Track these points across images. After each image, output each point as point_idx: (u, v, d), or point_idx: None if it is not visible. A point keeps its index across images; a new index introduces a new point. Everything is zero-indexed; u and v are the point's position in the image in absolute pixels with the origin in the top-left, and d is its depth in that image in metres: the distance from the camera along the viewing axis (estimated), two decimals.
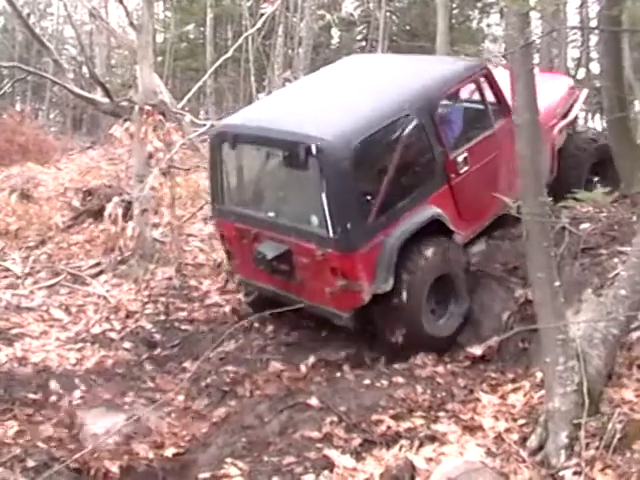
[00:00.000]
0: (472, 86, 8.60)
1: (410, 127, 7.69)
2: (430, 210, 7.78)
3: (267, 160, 8.27)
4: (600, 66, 5.63)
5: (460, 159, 8.08)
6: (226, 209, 8.48)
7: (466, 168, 8.10)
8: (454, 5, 32.62)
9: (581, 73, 29.62)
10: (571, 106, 8.86)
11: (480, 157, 8.14)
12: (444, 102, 8.36)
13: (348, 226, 7.22)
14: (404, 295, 7.54)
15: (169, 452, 6.51)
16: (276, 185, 8.37)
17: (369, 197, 7.60)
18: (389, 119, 7.73)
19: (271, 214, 8.01)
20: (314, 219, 7.47)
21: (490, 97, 8.44)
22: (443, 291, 7.94)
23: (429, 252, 7.67)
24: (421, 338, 7.69)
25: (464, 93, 8.76)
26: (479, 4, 34.90)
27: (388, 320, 7.70)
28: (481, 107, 8.60)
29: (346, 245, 7.30)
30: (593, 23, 25.58)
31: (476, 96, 8.69)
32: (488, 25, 36.25)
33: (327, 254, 7.35)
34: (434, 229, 7.83)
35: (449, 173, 7.99)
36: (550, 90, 9.13)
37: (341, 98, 8.32)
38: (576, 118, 9.25)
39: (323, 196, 7.19)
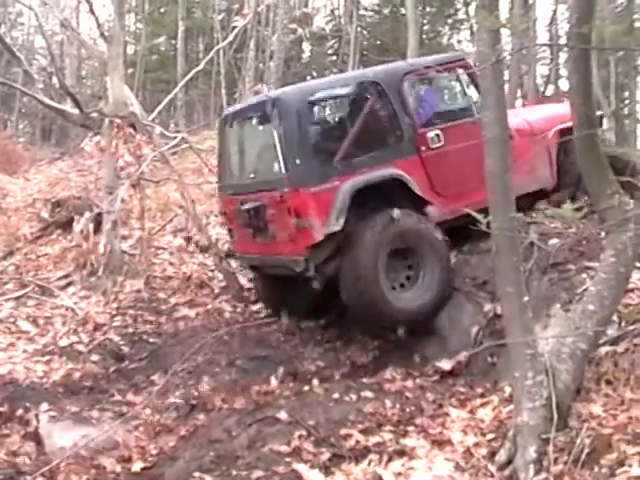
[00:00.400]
0: (452, 76, 9.28)
1: (373, 93, 8.56)
2: (392, 170, 8.26)
3: (250, 129, 9.27)
4: (569, 83, 5.65)
5: (431, 135, 8.60)
6: (225, 185, 9.50)
7: (439, 144, 8.60)
8: (425, 21, 32.96)
9: (550, 90, 29.95)
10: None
11: (458, 139, 8.50)
12: (412, 78, 8.94)
13: (297, 162, 7.95)
14: (363, 256, 7.89)
15: (137, 466, 6.43)
16: (255, 149, 9.31)
17: (323, 143, 8.57)
18: (350, 82, 8.91)
19: (251, 176, 9.02)
20: (275, 166, 8.17)
21: (470, 89, 9.00)
22: (412, 265, 8.28)
23: (393, 216, 8.04)
24: (383, 307, 7.96)
25: (443, 81, 9.33)
26: (449, 20, 35.27)
27: (348, 283, 7.99)
28: (460, 96, 9.33)
29: (296, 180, 7.94)
30: (562, 41, 25.87)
31: (457, 86, 9.43)
32: (458, 41, 36.69)
33: (284, 195, 8.02)
34: (405, 200, 8.27)
35: (419, 145, 8.53)
36: (556, 108, 10.17)
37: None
38: None
39: (277, 138, 8.05)
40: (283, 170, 7.98)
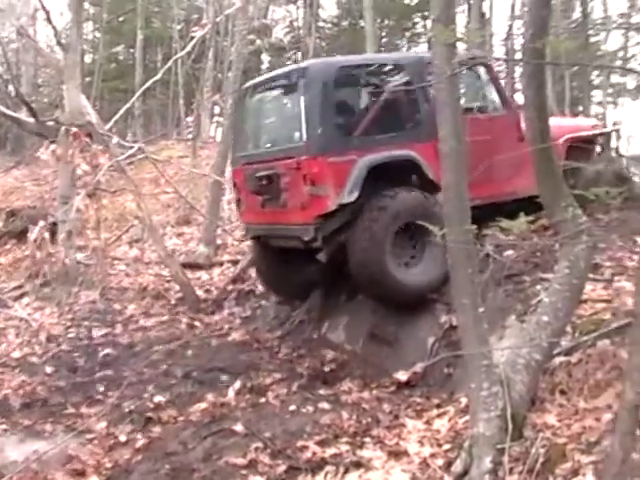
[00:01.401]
0: (475, 74, 9.48)
1: (399, 76, 8.77)
2: (407, 152, 8.41)
3: (272, 99, 9.64)
4: (524, 97, 5.72)
5: None
6: (238, 156, 9.67)
7: None
8: (383, 34, 33.13)
9: None
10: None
11: (474, 133, 8.37)
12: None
13: (319, 131, 8.09)
14: (372, 231, 8.00)
15: None
16: (276, 119, 9.68)
17: (346, 117, 8.67)
18: (377, 61, 9.33)
19: (268, 145, 9.31)
20: (297, 134, 8.43)
21: (490, 87, 9.35)
22: (419, 241, 8.37)
23: (402, 194, 8.21)
24: (387, 281, 8.05)
25: (466, 77, 9.64)
26: (407, 33, 35.49)
27: (356, 257, 8.09)
28: (480, 93, 9.51)
29: (315, 148, 8.10)
30: (518, 55, 26.18)
31: (476, 83, 9.60)
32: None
33: (300, 162, 8.15)
34: (417, 186, 8.45)
35: (435, 132, 8.40)
36: (566, 121, 10.82)
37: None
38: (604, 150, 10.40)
39: (301, 106, 8.26)
40: (304, 137, 8.14)
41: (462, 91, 10.42)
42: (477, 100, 9.53)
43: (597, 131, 10.56)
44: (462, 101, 9.61)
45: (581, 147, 9.73)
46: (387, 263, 8.05)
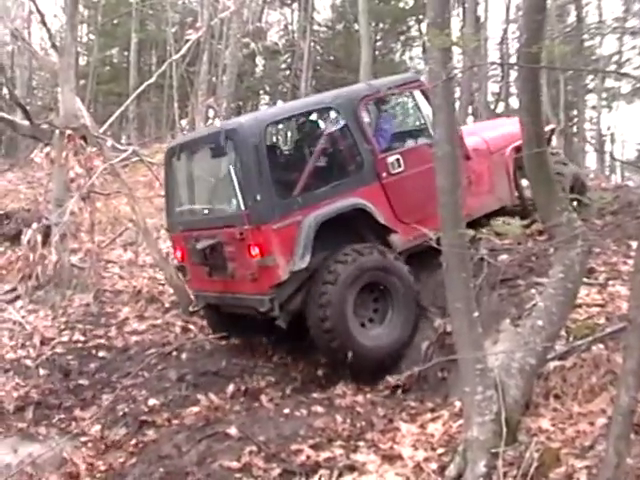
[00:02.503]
0: (407, 97, 9.24)
1: (330, 120, 8.48)
2: (354, 200, 8.03)
3: (201, 162, 8.92)
4: (519, 101, 5.74)
5: (392, 159, 8.38)
6: (175, 222, 9.05)
7: (400, 169, 8.39)
8: (378, 37, 33.18)
9: (500, 107, 30.34)
10: None
11: (418, 162, 8.28)
12: (369, 102, 8.85)
13: (258, 198, 7.59)
14: (330, 293, 7.65)
15: None
16: (208, 183, 8.97)
17: (283, 176, 8.14)
18: (305, 109, 8.83)
19: (205, 212, 8.66)
20: (233, 201, 7.84)
21: (427, 109, 8.51)
22: (380, 305, 8.07)
23: (366, 250, 7.90)
24: (351, 345, 7.69)
25: (399, 103, 9.24)
26: (402, 37, 35.52)
27: (315, 319, 7.73)
28: (417, 117, 9.18)
29: (257, 217, 7.61)
30: (512, 59, 26.22)
31: (413, 107, 9.29)
32: (411, 58, 36.99)
33: (244, 232, 7.66)
34: (367, 234, 8.20)
35: (380, 171, 8.30)
36: (508, 125, 9.88)
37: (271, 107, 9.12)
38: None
39: (234, 173, 7.63)
40: (242, 207, 7.61)
41: (402, 119, 10.35)
42: (415, 125, 9.34)
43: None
44: (403, 130, 9.56)
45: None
46: (350, 327, 7.71)
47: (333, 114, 8.47)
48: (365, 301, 7.97)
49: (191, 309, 9.46)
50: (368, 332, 7.92)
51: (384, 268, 7.92)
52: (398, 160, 8.38)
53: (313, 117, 8.65)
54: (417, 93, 8.82)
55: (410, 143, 8.98)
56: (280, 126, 8.49)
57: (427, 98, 8.54)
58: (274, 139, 8.42)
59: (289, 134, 9.15)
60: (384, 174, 8.29)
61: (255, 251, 7.61)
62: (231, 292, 8.30)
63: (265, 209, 7.62)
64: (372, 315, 8.05)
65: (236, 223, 7.75)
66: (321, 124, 8.58)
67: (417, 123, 9.25)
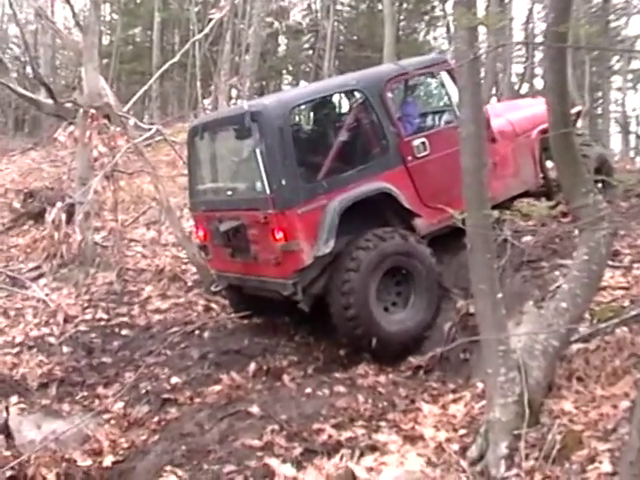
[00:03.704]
0: (434, 78, 9.12)
1: (356, 102, 8.31)
2: (379, 184, 7.96)
3: (224, 142, 8.81)
4: (544, 82, 5.69)
5: (417, 143, 8.29)
6: (198, 201, 8.99)
7: (425, 153, 8.30)
8: (401, 17, 32.98)
9: (525, 88, 30.11)
10: None
11: (444, 146, 8.15)
12: (395, 84, 8.79)
13: (283, 182, 7.51)
14: (352, 280, 7.61)
15: (108, 460, 6.43)
16: (231, 164, 8.93)
17: (308, 159, 8.11)
18: (330, 91, 8.77)
19: (229, 193, 8.53)
20: (258, 184, 7.72)
21: (454, 91, 8.36)
22: (403, 288, 8.04)
23: (387, 235, 7.83)
24: (375, 331, 7.69)
25: (425, 85, 9.11)
26: (426, 17, 35.31)
27: (338, 306, 7.72)
28: (445, 99, 9.03)
29: (282, 201, 7.53)
30: (537, 40, 26.00)
31: (440, 89, 9.21)
32: (434, 38, 36.74)
33: (268, 216, 7.59)
34: (392, 218, 8.14)
35: (405, 155, 8.21)
36: (534, 106, 9.68)
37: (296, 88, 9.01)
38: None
39: (259, 156, 7.54)
40: (267, 190, 7.52)
41: (428, 101, 10.17)
42: (442, 107, 9.21)
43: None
44: (429, 112, 9.43)
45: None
46: (373, 313, 7.70)
47: (359, 96, 8.33)
48: (387, 285, 7.95)
49: (213, 289, 9.47)
50: (391, 317, 7.91)
51: (406, 252, 7.88)
52: (424, 143, 8.30)
53: (338, 99, 8.58)
54: (444, 74, 8.68)
55: (436, 125, 8.91)
56: (305, 109, 8.35)
57: (454, 79, 8.36)
58: (299, 121, 8.30)
59: (314, 116, 9.00)
60: (409, 157, 8.21)
61: (279, 235, 7.56)
62: (254, 274, 8.29)
63: (290, 193, 7.55)
64: (395, 299, 8.03)
65: (260, 206, 7.69)
66: (346, 106, 8.50)
67: (443, 105, 9.20)
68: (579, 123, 11.09)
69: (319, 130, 9.09)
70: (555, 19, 5.02)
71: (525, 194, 9.12)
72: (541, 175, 9.33)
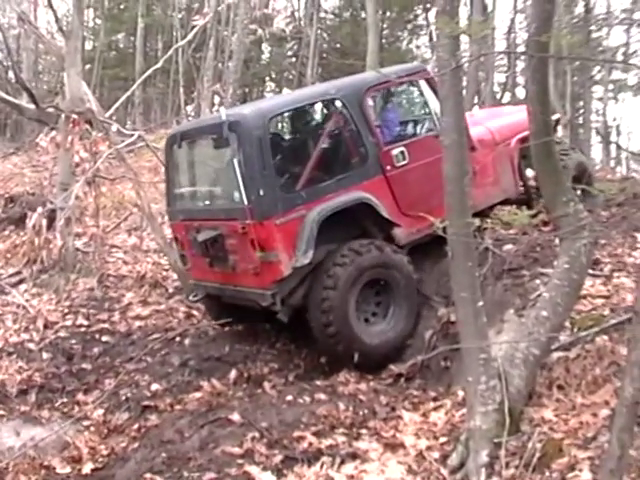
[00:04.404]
0: (413, 87, 9.03)
1: (335, 111, 8.27)
2: (358, 194, 7.93)
3: (202, 151, 8.77)
4: (526, 91, 5.73)
5: (396, 152, 8.26)
6: (176, 210, 8.92)
7: (404, 162, 8.28)
8: (384, 25, 33.05)
9: (507, 97, 30.27)
10: None
11: (423, 155, 8.20)
12: (374, 93, 8.75)
13: (261, 192, 7.44)
14: (331, 298, 7.60)
15: (87, 467, 6.41)
16: (209, 173, 8.92)
17: (287, 169, 8.16)
18: (309, 101, 8.68)
19: (207, 202, 8.53)
20: (236, 195, 7.64)
21: (433, 100, 8.44)
22: (382, 298, 8.04)
23: (363, 249, 7.80)
24: (357, 346, 7.69)
25: (404, 94, 9.05)
26: (409, 25, 35.42)
27: (318, 324, 7.72)
28: (424, 107, 8.96)
29: (260, 212, 7.47)
30: (519, 49, 26.12)
31: (419, 97, 9.05)
32: (417, 47, 36.86)
33: (246, 227, 7.54)
34: (371, 228, 8.13)
35: (384, 164, 8.18)
36: (514, 114, 9.77)
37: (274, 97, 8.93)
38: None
39: (237, 166, 7.45)
40: (245, 201, 7.45)
41: (407, 110, 10.15)
42: (421, 116, 9.18)
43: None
44: (408, 121, 9.34)
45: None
46: (351, 324, 7.68)
47: (338, 105, 8.29)
48: (367, 297, 7.95)
49: (191, 298, 9.44)
50: (372, 329, 7.92)
51: (383, 264, 7.88)
52: (403, 152, 8.28)
53: (317, 109, 8.57)
54: (423, 83, 8.66)
55: (415, 134, 8.89)
56: (283, 119, 8.32)
57: (433, 88, 8.42)
58: (277, 131, 8.24)
59: (292, 126, 8.97)
60: (388, 167, 8.19)
61: (257, 246, 7.52)
62: (232, 284, 8.24)
63: (268, 204, 7.50)
64: (375, 309, 8.04)
65: (238, 217, 7.63)
66: (325, 116, 8.41)
67: (422, 114, 9.11)
68: (560, 131, 11.13)
69: (298, 140, 9.05)
70: (537, 29, 5.05)
71: (505, 202, 9.18)
72: (521, 183, 9.38)
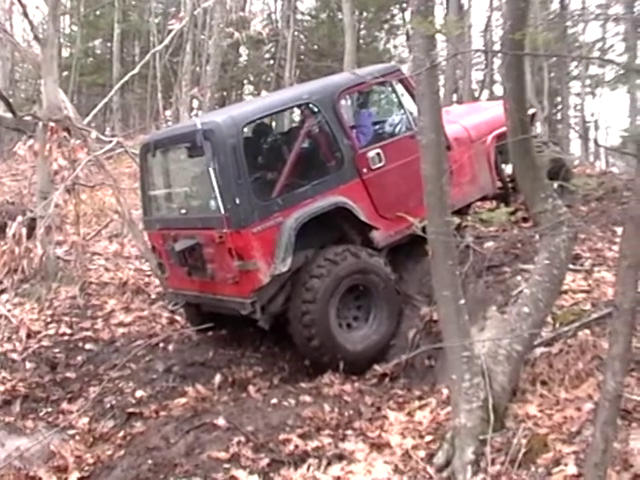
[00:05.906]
0: (386, 87, 9.01)
1: (309, 116, 8.20)
2: (335, 198, 7.92)
3: (177, 159, 8.74)
4: (503, 89, 5.74)
5: (372, 154, 8.24)
6: (152, 219, 8.86)
7: (380, 164, 8.27)
8: (361, 26, 33.11)
9: (485, 95, 30.37)
10: None
11: (399, 156, 8.23)
12: (347, 96, 8.79)
13: (237, 201, 7.37)
14: (311, 312, 7.62)
15: (73, 476, 6.37)
16: (184, 182, 8.92)
17: (262, 177, 8.16)
18: (283, 106, 8.59)
19: (183, 211, 8.51)
20: (212, 203, 7.57)
21: (408, 100, 8.54)
22: (362, 302, 8.06)
23: (338, 257, 7.80)
24: (334, 348, 7.72)
25: (378, 94, 8.99)
26: (386, 25, 35.46)
27: (301, 337, 7.75)
28: (398, 108, 8.94)
29: (237, 221, 7.41)
30: (496, 47, 26.21)
31: (393, 98, 9.05)
32: (395, 46, 36.93)
33: (223, 235, 7.49)
34: (349, 231, 8.15)
35: (360, 167, 8.17)
36: (490, 109, 9.82)
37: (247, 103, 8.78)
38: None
39: (213, 174, 7.37)
40: (221, 209, 7.37)
41: (382, 111, 10.13)
42: (396, 117, 9.13)
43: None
44: (383, 122, 9.28)
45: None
46: (332, 331, 7.72)
47: (311, 110, 8.22)
48: (347, 303, 7.98)
49: (171, 307, 9.38)
50: (355, 334, 7.95)
51: (361, 270, 7.89)
52: (379, 154, 8.27)
53: (291, 113, 8.50)
54: (397, 83, 8.68)
55: (390, 135, 8.86)
56: (257, 125, 8.27)
57: (407, 88, 8.50)
58: (251, 140, 8.18)
59: (267, 132, 8.92)
60: (365, 170, 8.18)
61: (235, 255, 7.48)
62: (211, 293, 8.20)
63: (245, 212, 7.44)
64: (356, 313, 8.07)
65: (215, 226, 7.58)
66: (299, 121, 8.39)
67: (397, 115, 9.06)
68: (538, 128, 11.15)
69: (273, 146, 8.98)
70: (512, 26, 5.06)
71: (483, 199, 9.19)
72: (498, 179, 9.40)
